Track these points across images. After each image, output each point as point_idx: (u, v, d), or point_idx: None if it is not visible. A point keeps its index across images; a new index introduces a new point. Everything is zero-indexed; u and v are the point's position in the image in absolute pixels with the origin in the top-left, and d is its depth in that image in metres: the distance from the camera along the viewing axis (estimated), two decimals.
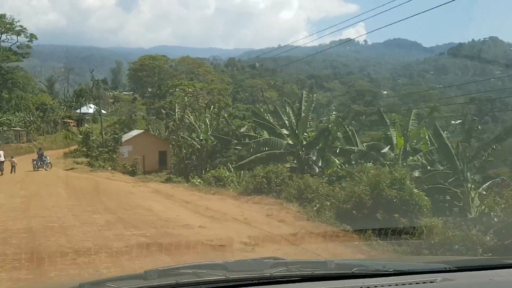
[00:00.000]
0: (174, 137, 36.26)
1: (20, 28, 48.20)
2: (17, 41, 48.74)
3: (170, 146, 38.29)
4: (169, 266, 2.19)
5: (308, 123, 20.93)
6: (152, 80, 66.36)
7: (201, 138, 33.94)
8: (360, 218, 9.37)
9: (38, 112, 48.84)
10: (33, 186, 17.54)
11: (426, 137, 22.38)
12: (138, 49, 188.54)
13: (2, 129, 42.75)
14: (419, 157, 21.49)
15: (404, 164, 19.43)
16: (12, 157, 26.86)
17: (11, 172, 25.26)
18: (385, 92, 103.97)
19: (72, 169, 28.02)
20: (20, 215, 10.37)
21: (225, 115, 36.87)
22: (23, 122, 45.70)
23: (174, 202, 14.52)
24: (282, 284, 1.94)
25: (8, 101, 47.57)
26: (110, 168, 28.97)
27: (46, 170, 26.38)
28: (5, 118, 43.53)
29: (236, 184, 20.10)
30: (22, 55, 49.29)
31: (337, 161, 19.91)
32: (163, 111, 41.85)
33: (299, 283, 1.97)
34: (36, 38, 50.55)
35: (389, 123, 20.19)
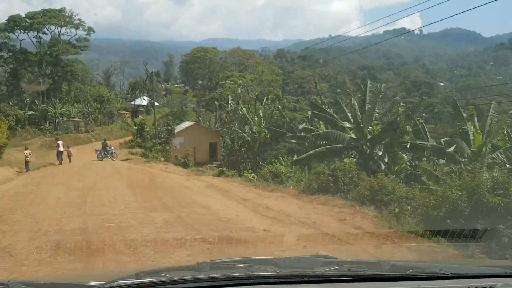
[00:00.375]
0: (226, 129, 35.73)
1: (79, 21, 49.76)
2: (75, 34, 50.37)
3: (220, 138, 37.86)
4: (220, 259, 2.18)
5: (374, 115, 19.24)
6: (203, 72, 66.52)
7: (253, 130, 33.09)
8: (457, 229, 7.88)
9: (95, 104, 50.37)
10: (90, 178, 17.44)
11: (505, 132, 20.26)
12: (189, 42, 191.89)
13: (62, 119, 44.48)
14: (499, 154, 19.35)
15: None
16: (68, 147, 27.79)
17: (69, 161, 26.14)
18: (442, 83, 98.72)
19: (127, 159, 28.29)
20: (76, 212, 9.89)
21: (279, 107, 35.69)
22: (82, 113, 47.34)
23: (231, 199, 13.66)
24: (333, 283, 1.90)
25: (68, 92, 49.47)
26: (163, 159, 29.03)
27: (112, 160, 27.10)
28: (65, 109, 45.29)
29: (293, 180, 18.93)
30: (81, 48, 50.85)
31: (406, 157, 18.13)
32: (216, 102, 41.38)
33: (351, 283, 1.92)
34: (93, 31, 51.93)
35: (465, 116, 18.11)
